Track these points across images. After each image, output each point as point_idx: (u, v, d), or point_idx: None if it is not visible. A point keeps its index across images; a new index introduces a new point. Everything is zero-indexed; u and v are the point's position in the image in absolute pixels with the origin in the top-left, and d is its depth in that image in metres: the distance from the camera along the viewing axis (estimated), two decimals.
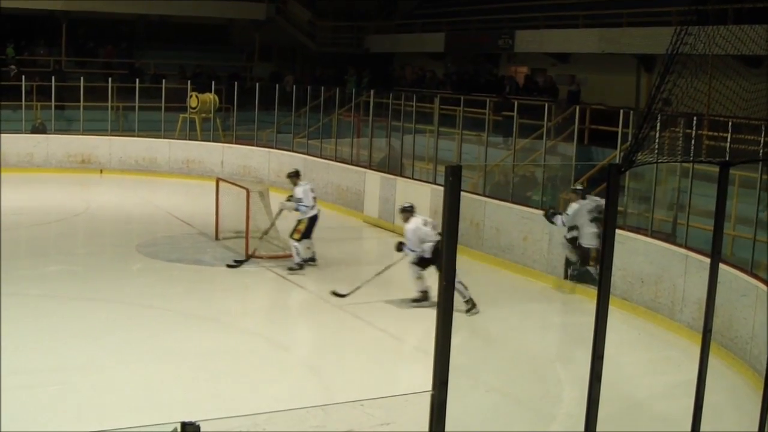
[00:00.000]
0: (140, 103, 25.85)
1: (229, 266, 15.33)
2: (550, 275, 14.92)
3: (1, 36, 29.59)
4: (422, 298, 13.33)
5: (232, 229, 16.77)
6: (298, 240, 15.28)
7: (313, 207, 15.43)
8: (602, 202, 13.74)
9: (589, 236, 14.04)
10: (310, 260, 15.61)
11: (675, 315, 12.48)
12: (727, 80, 5.87)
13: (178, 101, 26.20)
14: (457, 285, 12.80)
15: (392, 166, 20.01)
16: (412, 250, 13.21)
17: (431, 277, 12.85)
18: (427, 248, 13.06)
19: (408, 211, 13.52)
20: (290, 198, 15.56)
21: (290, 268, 15.26)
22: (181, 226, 18.59)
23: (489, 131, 18.18)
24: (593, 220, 13.99)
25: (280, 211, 15.74)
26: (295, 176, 15.84)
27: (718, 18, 5.48)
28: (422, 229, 13.21)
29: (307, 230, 15.35)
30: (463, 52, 29.28)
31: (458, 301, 12.12)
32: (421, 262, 13.20)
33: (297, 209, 15.40)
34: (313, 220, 15.39)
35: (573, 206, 14.13)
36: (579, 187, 14.55)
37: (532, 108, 18.64)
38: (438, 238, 12.99)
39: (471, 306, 12.87)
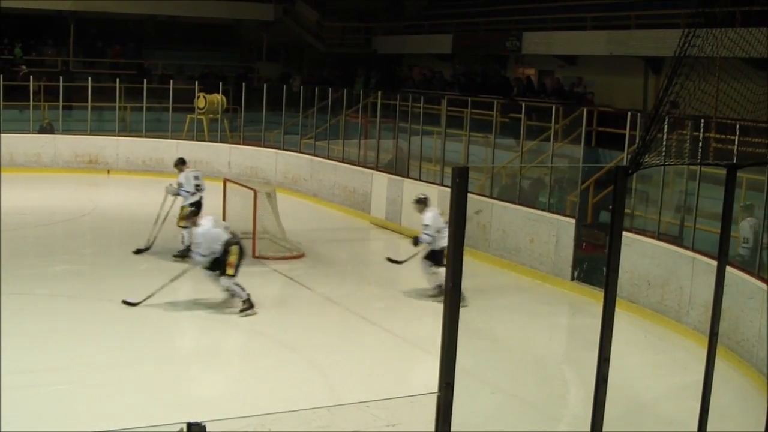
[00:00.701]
0: (148, 104, 25.91)
1: (134, 252, 15.60)
2: (557, 277, 14.92)
3: (9, 36, 29.69)
4: (247, 307, 12.69)
5: (239, 230, 16.75)
6: (184, 227, 15.41)
7: (194, 194, 15.63)
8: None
9: (446, 239, 13.77)
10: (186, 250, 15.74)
11: (682, 317, 12.47)
12: (735, 83, 5.86)
13: (185, 102, 26.24)
14: (233, 286, 12.60)
15: (399, 168, 20.01)
16: (203, 255, 12.61)
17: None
18: (218, 249, 12.58)
19: (194, 215, 13.57)
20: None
21: (175, 256, 15.42)
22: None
23: (496, 133, 18.18)
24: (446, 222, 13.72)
25: (165, 196, 15.82)
26: (180, 164, 16.12)
27: (725, 20, 5.47)
28: (212, 231, 12.73)
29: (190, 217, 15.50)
30: (471, 53, 29.27)
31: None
32: (214, 266, 12.72)
33: (178, 194, 15.64)
34: (195, 206, 15.44)
35: (428, 215, 13.74)
36: (422, 196, 14.29)
37: (540, 110, 18.61)
38: (229, 236, 12.77)
39: (247, 306, 12.60)
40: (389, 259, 15.21)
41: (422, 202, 13.98)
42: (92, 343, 11.26)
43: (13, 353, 9.99)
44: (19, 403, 8.84)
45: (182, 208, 15.55)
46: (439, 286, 13.33)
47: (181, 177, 15.76)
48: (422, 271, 13.76)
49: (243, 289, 12.61)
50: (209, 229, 12.71)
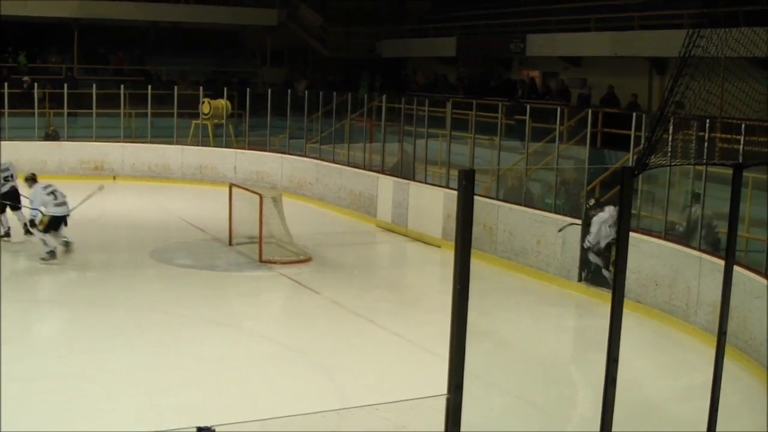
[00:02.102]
0: (153, 110, 25.93)
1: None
2: (564, 278, 14.90)
3: (13, 44, 29.76)
4: None
5: (246, 235, 16.79)
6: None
7: (3, 184, 16.82)
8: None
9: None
10: (5, 236, 16.76)
11: (689, 317, 12.45)
12: (740, 82, 5.87)
13: (190, 107, 26.28)
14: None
15: (405, 171, 20.01)
16: None
17: None
18: None
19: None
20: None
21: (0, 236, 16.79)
22: (194, 232, 18.63)
23: (501, 135, 18.17)
24: None
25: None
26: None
27: (729, 20, 5.49)
28: None
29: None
30: (475, 56, 29.28)
31: None
32: None
33: None
34: (5, 196, 16.72)
35: (32, 190, 15.67)
36: (29, 174, 16.42)
37: (545, 111, 18.62)
38: None
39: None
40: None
41: (29, 179, 16.21)
42: (102, 348, 11.27)
43: (19, 360, 10.03)
44: (30, 410, 8.87)
45: None
46: (50, 252, 15.32)
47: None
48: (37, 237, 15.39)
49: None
50: None
